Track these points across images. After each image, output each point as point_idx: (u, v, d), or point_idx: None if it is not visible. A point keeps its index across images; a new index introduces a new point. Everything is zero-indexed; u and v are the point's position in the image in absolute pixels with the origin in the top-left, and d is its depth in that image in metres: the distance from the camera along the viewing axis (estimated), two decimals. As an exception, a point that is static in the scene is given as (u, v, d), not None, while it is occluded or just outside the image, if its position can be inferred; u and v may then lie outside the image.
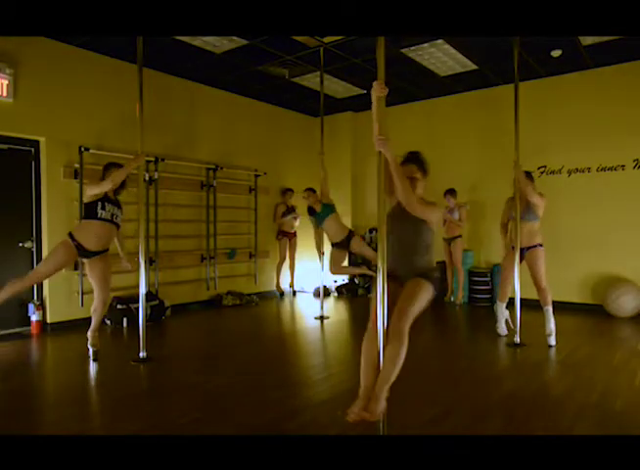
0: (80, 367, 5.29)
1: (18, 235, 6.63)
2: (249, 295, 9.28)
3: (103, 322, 7.03)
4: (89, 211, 5.14)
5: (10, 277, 6.42)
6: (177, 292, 8.26)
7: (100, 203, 5.14)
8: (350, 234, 7.49)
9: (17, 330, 6.57)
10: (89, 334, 5.43)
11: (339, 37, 6.76)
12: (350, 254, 8.32)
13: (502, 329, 6.33)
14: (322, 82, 7.64)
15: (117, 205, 5.34)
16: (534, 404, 4.06)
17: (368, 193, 10.55)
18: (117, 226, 5.35)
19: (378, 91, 3.12)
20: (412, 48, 7.21)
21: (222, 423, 3.72)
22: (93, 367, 5.26)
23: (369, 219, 10.50)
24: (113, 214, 5.25)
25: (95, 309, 5.40)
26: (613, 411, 3.90)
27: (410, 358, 5.38)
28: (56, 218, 6.76)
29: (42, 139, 6.71)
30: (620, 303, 7.51)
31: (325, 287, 8.02)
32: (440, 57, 7.59)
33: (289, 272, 10.08)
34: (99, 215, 5.12)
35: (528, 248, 5.97)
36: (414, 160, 3.49)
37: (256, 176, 9.63)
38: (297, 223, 9.91)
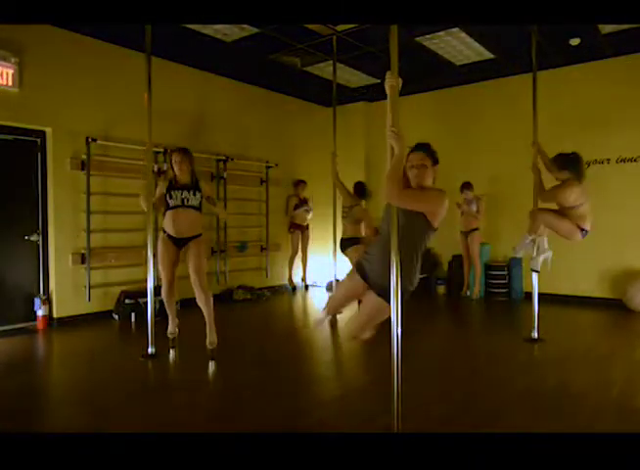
0: (87, 363, 5.24)
1: (23, 228, 6.51)
2: (260, 289, 9.14)
3: (111, 317, 6.96)
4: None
5: (15, 271, 6.39)
6: (186, 286, 8.10)
7: (167, 194, 5.27)
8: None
9: (23, 325, 6.45)
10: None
11: (352, 25, 6.58)
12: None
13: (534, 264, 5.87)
14: (335, 71, 7.45)
15: (188, 188, 5.30)
16: (552, 401, 3.98)
17: (381, 184, 10.35)
18: (194, 208, 5.31)
19: (391, 81, 3.08)
20: (427, 36, 7.03)
21: (232, 420, 3.67)
22: (100, 363, 5.18)
23: (381, 211, 10.31)
24: (183, 199, 5.24)
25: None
26: (633, 409, 3.83)
27: (426, 355, 5.29)
28: (62, 211, 6.65)
29: (48, 129, 6.59)
30: (642, 297, 7.32)
31: (338, 281, 7.86)
32: (456, 46, 7.42)
33: (301, 266, 9.95)
34: (170, 205, 5.25)
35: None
36: (422, 147, 3.28)
37: (268, 168, 9.50)
38: (309, 216, 9.75)
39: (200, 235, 5.33)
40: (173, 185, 5.27)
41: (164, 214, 5.31)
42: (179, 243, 5.27)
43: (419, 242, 3.18)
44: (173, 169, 5.26)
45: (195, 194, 5.25)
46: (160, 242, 5.31)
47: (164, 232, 5.29)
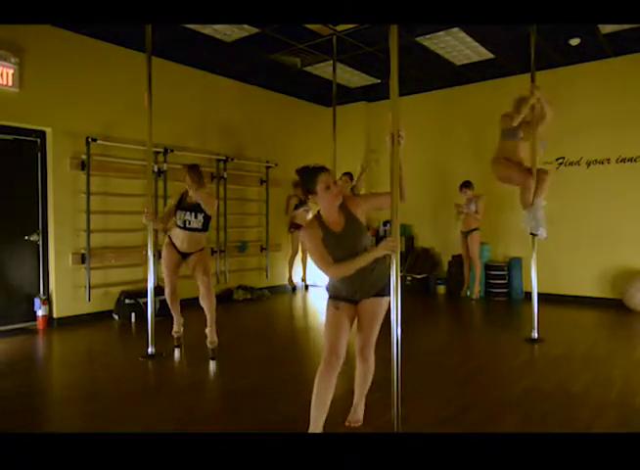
0: (87, 363, 5.25)
1: (23, 228, 6.50)
2: (260, 289, 9.14)
3: (111, 317, 6.96)
4: None
5: (15, 271, 6.38)
6: (186, 286, 8.10)
7: (175, 209, 5.32)
8: None
9: (23, 325, 6.46)
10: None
11: (352, 25, 6.56)
12: None
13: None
14: (335, 71, 7.45)
15: (191, 209, 5.25)
16: (552, 401, 3.97)
17: (382, 184, 10.36)
18: (196, 231, 5.27)
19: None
20: (427, 36, 7.02)
21: (232, 420, 3.66)
22: (101, 363, 5.19)
23: (383, 212, 10.30)
24: (185, 221, 5.24)
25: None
26: (633, 409, 3.82)
27: (426, 355, 5.28)
28: (62, 211, 6.64)
29: (48, 130, 6.58)
30: (641, 296, 7.31)
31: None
32: (456, 45, 7.41)
33: (301, 266, 9.95)
34: (176, 222, 5.31)
35: None
36: None
37: (268, 168, 9.49)
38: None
39: (202, 249, 5.38)
40: (181, 202, 5.29)
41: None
42: (183, 254, 5.32)
43: None
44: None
45: (196, 216, 5.23)
46: (166, 247, 5.33)
47: (170, 240, 5.32)
